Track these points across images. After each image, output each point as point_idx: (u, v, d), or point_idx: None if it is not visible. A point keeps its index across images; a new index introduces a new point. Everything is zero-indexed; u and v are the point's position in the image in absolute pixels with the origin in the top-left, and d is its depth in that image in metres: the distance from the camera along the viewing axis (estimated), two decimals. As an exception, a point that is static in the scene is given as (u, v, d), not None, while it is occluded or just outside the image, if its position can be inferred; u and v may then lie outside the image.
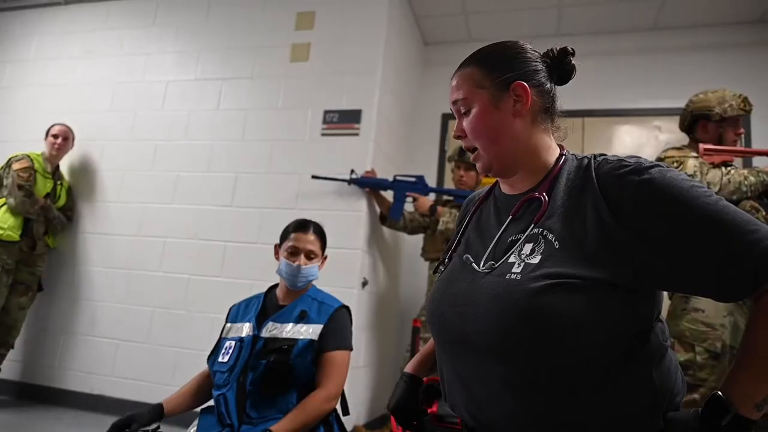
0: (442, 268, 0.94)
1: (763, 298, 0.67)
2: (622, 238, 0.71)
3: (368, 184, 2.73)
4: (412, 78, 3.58)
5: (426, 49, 3.85)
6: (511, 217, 0.84)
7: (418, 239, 3.07)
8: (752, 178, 1.94)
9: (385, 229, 3.03)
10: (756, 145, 3.05)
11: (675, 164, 2.03)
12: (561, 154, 0.86)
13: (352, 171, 2.73)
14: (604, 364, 0.71)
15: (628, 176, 0.72)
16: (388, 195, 2.83)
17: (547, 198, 0.80)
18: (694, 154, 2.05)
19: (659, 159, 2.13)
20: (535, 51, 0.87)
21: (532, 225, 0.79)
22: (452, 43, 3.79)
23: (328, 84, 2.94)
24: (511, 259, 0.78)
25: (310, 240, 1.58)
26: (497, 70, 0.83)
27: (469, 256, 0.87)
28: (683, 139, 2.28)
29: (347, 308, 1.60)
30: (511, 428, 0.74)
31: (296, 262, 1.54)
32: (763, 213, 1.91)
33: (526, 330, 0.70)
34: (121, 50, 3.41)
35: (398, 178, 2.80)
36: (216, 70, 3.18)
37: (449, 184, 3.24)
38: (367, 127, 2.82)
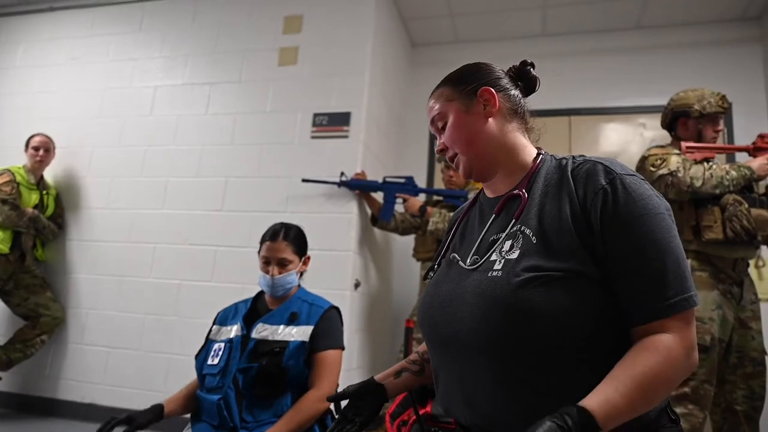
0: (432, 273, 0.97)
1: (656, 335, 0.69)
2: (587, 233, 0.74)
3: (358, 186, 2.74)
4: (400, 79, 3.60)
5: (414, 50, 3.87)
6: (494, 215, 0.88)
7: (409, 240, 3.08)
8: (734, 173, 1.98)
9: (376, 231, 3.04)
10: (738, 142, 3.10)
11: (659, 161, 2.07)
12: (538, 154, 0.90)
13: (342, 173, 2.74)
14: (591, 356, 0.72)
15: (597, 178, 0.76)
16: (378, 196, 2.84)
17: (526, 194, 0.84)
18: (677, 151, 2.10)
19: (644, 157, 2.16)
20: (497, 66, 0.95)
21: (513, 221, 0.82)
22: (440, 44, 3.82)
23: (316, 87, 2.95)
24: (493, 257, 0.81)
25: (281, 248, 1.56)
26: (463, 83, 0.92)
27: (456, 255, 0.91)
28: (668, 136, 2.32)
29: (337, 309, 1.61)
30: (505, 426, 0.75)
31: (269, 273, 1.54)
32: (746, 206, 1.94)
33: (510, 325, 0.72)
34: (107, 56, 3.39)
35: (388, 179, 2.81)
36: (204, 74, 3.17)
37: (439, 184, 3.25)
38: (356, 129, 2.83)
